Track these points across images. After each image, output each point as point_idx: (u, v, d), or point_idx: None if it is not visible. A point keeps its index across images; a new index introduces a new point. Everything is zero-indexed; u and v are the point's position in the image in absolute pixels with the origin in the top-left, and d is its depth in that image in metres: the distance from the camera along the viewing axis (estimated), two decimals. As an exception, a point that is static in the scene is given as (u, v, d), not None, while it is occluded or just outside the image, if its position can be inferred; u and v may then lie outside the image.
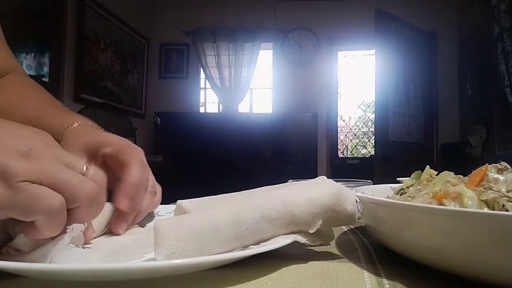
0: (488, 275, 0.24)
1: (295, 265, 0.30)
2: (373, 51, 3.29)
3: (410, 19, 3.19)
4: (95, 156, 0.42)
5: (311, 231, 0.32)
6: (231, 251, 0.29)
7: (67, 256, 0.29)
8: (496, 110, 2.80)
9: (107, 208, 0.39)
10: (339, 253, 0.35)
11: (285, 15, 3.84)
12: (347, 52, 4.11)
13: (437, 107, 3.56)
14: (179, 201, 0.40)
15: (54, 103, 0.55)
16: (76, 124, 0.46)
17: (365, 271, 0.29)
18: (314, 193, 0.33)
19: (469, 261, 0.24)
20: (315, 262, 0.32)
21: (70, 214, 0.29)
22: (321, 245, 0.34)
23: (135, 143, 0.44)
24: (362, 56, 4.14)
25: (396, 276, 0.28)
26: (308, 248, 0.36)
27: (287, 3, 3.83)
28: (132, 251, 0.33)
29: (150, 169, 0.44)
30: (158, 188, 0.46)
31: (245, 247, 0.30)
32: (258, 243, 0.31)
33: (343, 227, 0.47)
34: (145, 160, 0.43)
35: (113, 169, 0.42)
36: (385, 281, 0.27)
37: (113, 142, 0.43)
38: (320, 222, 0.32)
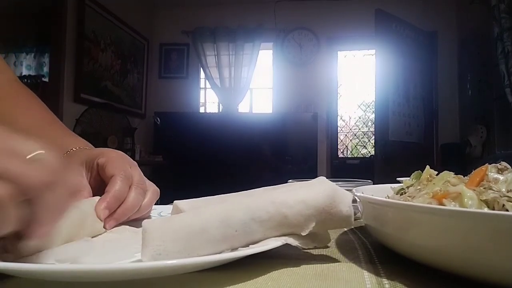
0: (488, 275, 0.24)
1: (295, 265, 0.30)
2: (373, 51, 3.29)
3: (410, 19, 3.19)
4: (91, 166, 0.44)
5: (303, 234, 0.31)
6: (219, 253, 0.28)
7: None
8: (496, 110, 2.80)
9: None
10: (339, 253, 0.35)
11: (285, 15, 3.84)
12: (347, 52, 4.11)
13: (437, 107, 3.55)
14: (175, 202, 0.39)
15: (50, 119, 0.57)
16: (73, 149, 0.49)
17: (365, 271, 0.29)
18: (307, 194, 0.31)
19: (469, 261, 0.24)
20: (315, 262, 0.32)
21: (32, 208, 0.24)
22: (315, 248, 0.33)
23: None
24: (362, 56, 4.14)
25: (396, 276, 0.28)
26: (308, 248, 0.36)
27: (287, 3, 3.83)
28: (123, 251, 0.32)
29: (140, 170, 0.46)
30: (152, 188, 0.46)
31: (233, 249, 0.29)
32: (247, 245, 0.30)
33: (343, 227, 0.47)
34: (132, 171, 0.44)
35: (104, 179, 0.43)
36: (385, 281, 0.27)
37: (107, 154, 0.44)
38: (313, 224, 0.31)
